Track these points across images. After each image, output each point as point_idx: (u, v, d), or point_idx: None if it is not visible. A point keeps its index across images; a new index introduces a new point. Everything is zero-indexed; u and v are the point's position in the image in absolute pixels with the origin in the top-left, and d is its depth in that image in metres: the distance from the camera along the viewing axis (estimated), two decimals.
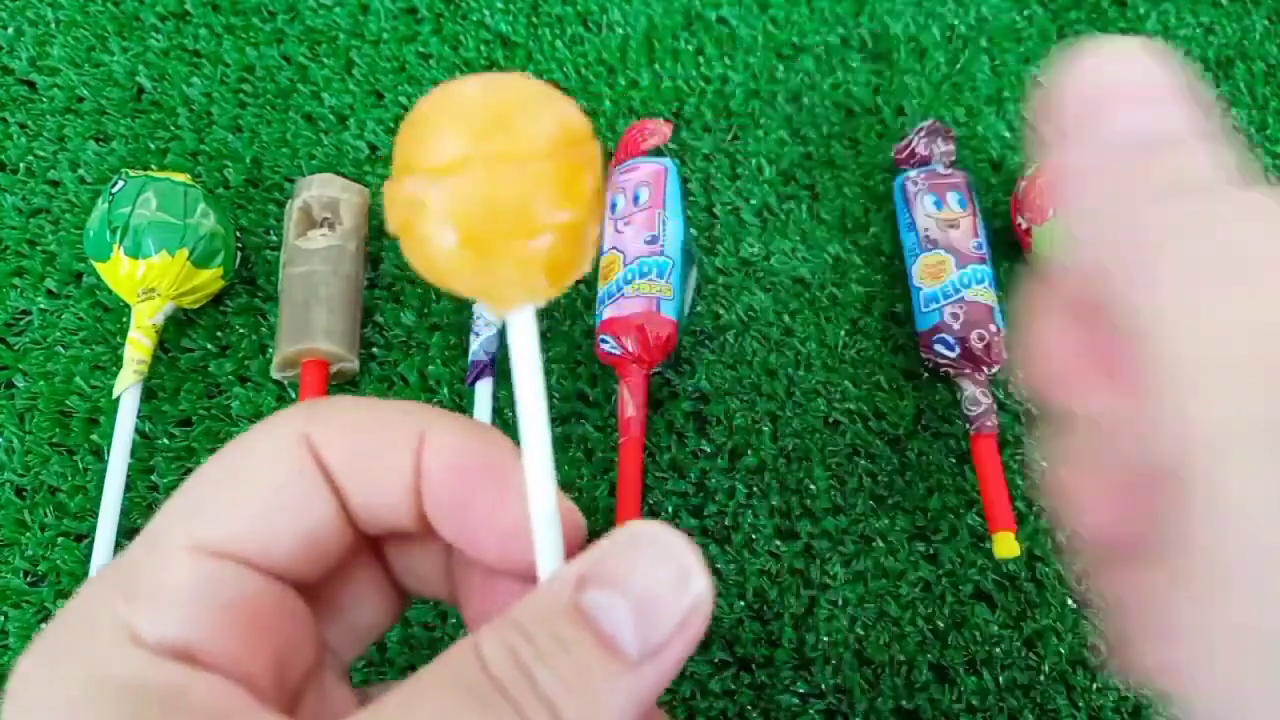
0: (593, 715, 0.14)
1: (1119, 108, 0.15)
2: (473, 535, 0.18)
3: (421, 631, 0.33)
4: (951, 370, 0.36)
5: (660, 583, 0.15)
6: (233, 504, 0.16)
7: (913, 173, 0.40)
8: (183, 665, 0.15)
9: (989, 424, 0.35)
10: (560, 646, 0.14)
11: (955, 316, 0.36)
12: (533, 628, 0.15)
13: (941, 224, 0.38)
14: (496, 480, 0.17)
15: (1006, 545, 0.33)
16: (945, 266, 0.37)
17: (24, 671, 0.15)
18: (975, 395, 0.35)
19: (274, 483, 0.17)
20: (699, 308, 0.39)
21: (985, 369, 0.36)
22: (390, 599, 0.20)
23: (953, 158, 0.40)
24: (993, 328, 0.36)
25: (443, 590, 0.20)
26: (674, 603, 0.15)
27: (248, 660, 0.16)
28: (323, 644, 0.19)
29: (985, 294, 0.36)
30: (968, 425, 0.35)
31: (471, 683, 0.14)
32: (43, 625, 0.33)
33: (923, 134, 0.40)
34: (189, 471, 0.36)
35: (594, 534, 0.38)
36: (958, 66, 0.45)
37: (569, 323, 0.39)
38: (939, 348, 0.36)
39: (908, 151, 0.40)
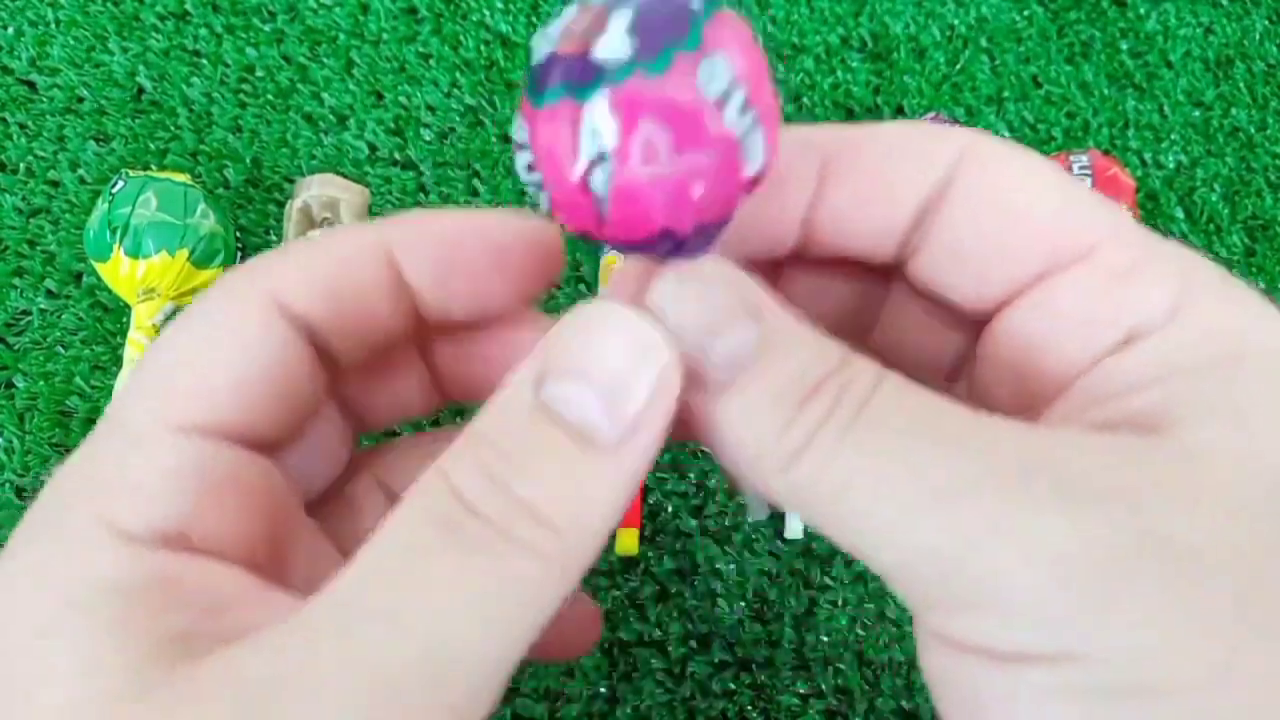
0: (581, 513, 0.13)
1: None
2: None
3: None
4: None
5: (621, 360, 0.14)
6: (201, 374, 0.15)
7: None
8: (174, 553, 0.14)
9: None
10: (533, 451, 0.13)
11: None
12: (500, 439, 0.13)
13: None
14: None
15: None
16: None
17: None
18: None
19: (242, 345, 0.15)
20: None
21: None
22: (347, 437, 0.20)
23: None
24: None
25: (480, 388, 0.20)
26: (640, 378, 0.14)
27: (244, 539, 0.15)
28: (299, 502, 0.18)
29: None
30: None
31: (444, 514, 0.13)
32: None
33: None
34: None
35: None
36: (958, 66, 0.45)
37: None
38: None
39: None
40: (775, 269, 0.19)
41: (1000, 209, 0.16)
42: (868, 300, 0.19)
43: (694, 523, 0.35)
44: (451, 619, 0.12)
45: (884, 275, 0.18)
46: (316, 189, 0.38)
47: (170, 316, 0.37)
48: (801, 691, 0.33)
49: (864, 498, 0.13)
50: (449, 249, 0.17)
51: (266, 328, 0.16)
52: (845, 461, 0.13)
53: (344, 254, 0.17)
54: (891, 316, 0.19)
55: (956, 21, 0.46)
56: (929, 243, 0.16)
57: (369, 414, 0.20)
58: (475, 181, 0.41)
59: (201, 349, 0.15)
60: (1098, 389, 0.14)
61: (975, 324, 0.17)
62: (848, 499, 0.13)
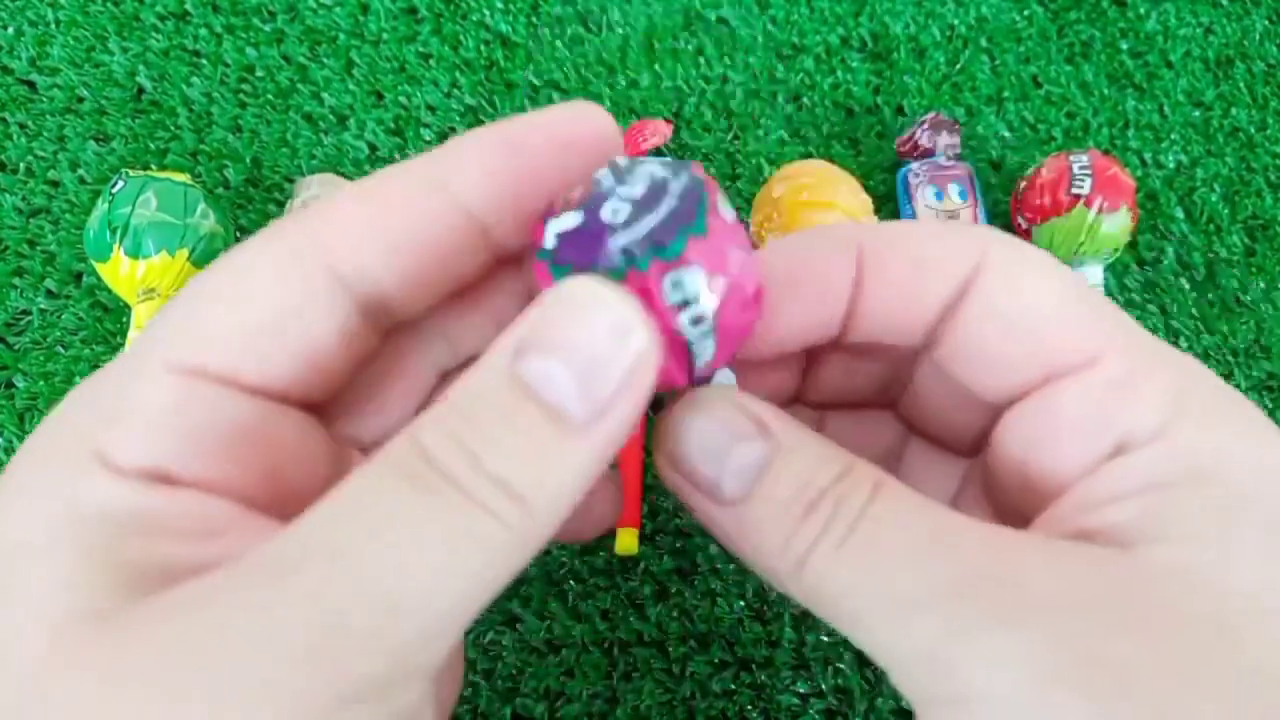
0: (547, 487, 0.14)
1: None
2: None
3: None
4: None
5: (598, 342, 0.14)
6: (220, 323, 0.15)
7: (915, 164, 0.40)
8: (158, 487, 0.14)
9: None
10: (505, 423, 0.14)
11: None
12: (473, 408, 0.14)
13: (941, 215, 0.38)
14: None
15: None
16: None
17: None
18: None
19: (273, 301, 0.15)
20: None
21: None
22: (412, 392, 0.19)
23: (957, 150, 0.40)
24: None
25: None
26: (615, 361, 0.14)
27: (234, 477, 0.15)
28: (337, 450, 0.18)
29: None
30: None
31: (414, 472, 0.13)
32: None
33: (925, 126, 0.40)
34: None
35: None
36: (958, 66, 0.45)
37: None
38: None
39: (910, 144, 0.40)
40: (816, 352, 0.20)
41: (1008, 316, 0.17)
42: (897, 374, 0.20)
43: (694, 522, 0.35)
44: (406, 564, 0.13)
45: (912, 354, 0.20)
46: (316, 189, 0.38)
47: None
48: (801, 691, 0.33)
49: (859, 604, 0.15)
50: (511, 158, 0.16)
51: (301, 289, 0.15)
52: (842, 572, 0.15)
53: (402, 203, 0.16)
54: (918, 390, 0.20)
55: (956, 21, 0.46)
56: (948, 338, 0.18)
57: (462, 342, 0.20)
58: None
59: (226, 296, 0.15)
60: (1087, 497, 0.15)
61: (994, 409, 0.18)
62: (846, 604, 0.15)
